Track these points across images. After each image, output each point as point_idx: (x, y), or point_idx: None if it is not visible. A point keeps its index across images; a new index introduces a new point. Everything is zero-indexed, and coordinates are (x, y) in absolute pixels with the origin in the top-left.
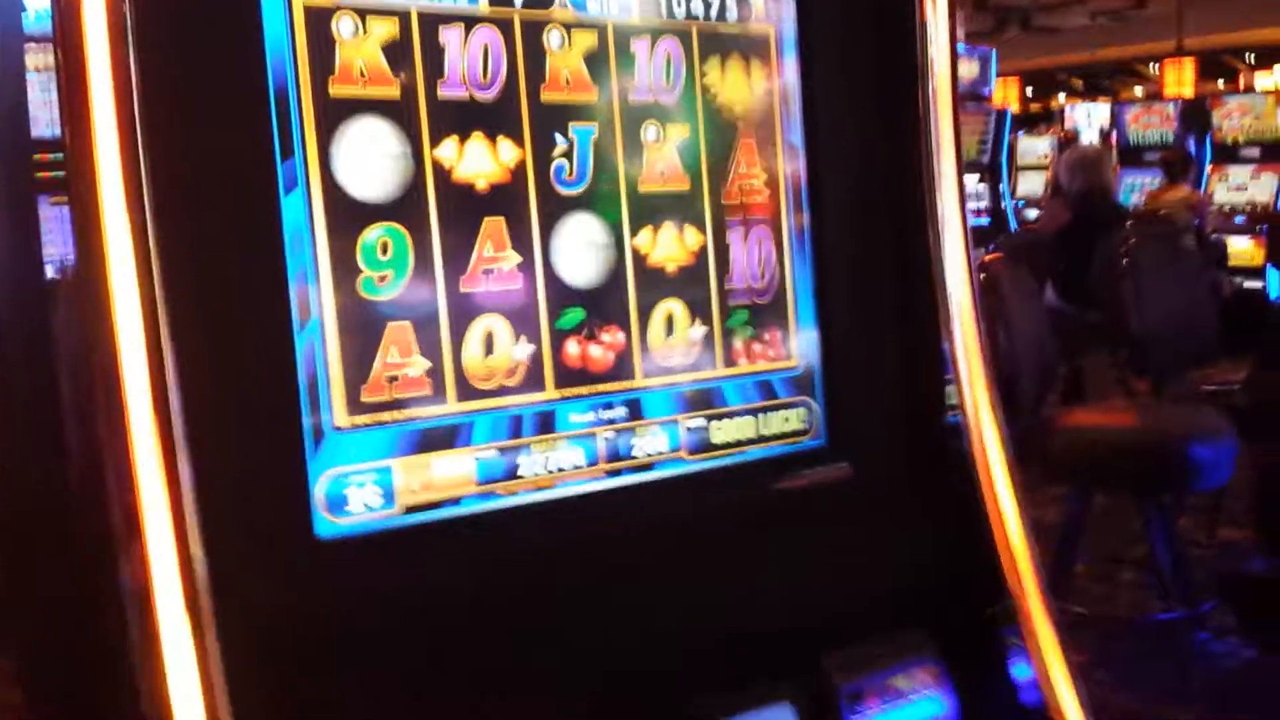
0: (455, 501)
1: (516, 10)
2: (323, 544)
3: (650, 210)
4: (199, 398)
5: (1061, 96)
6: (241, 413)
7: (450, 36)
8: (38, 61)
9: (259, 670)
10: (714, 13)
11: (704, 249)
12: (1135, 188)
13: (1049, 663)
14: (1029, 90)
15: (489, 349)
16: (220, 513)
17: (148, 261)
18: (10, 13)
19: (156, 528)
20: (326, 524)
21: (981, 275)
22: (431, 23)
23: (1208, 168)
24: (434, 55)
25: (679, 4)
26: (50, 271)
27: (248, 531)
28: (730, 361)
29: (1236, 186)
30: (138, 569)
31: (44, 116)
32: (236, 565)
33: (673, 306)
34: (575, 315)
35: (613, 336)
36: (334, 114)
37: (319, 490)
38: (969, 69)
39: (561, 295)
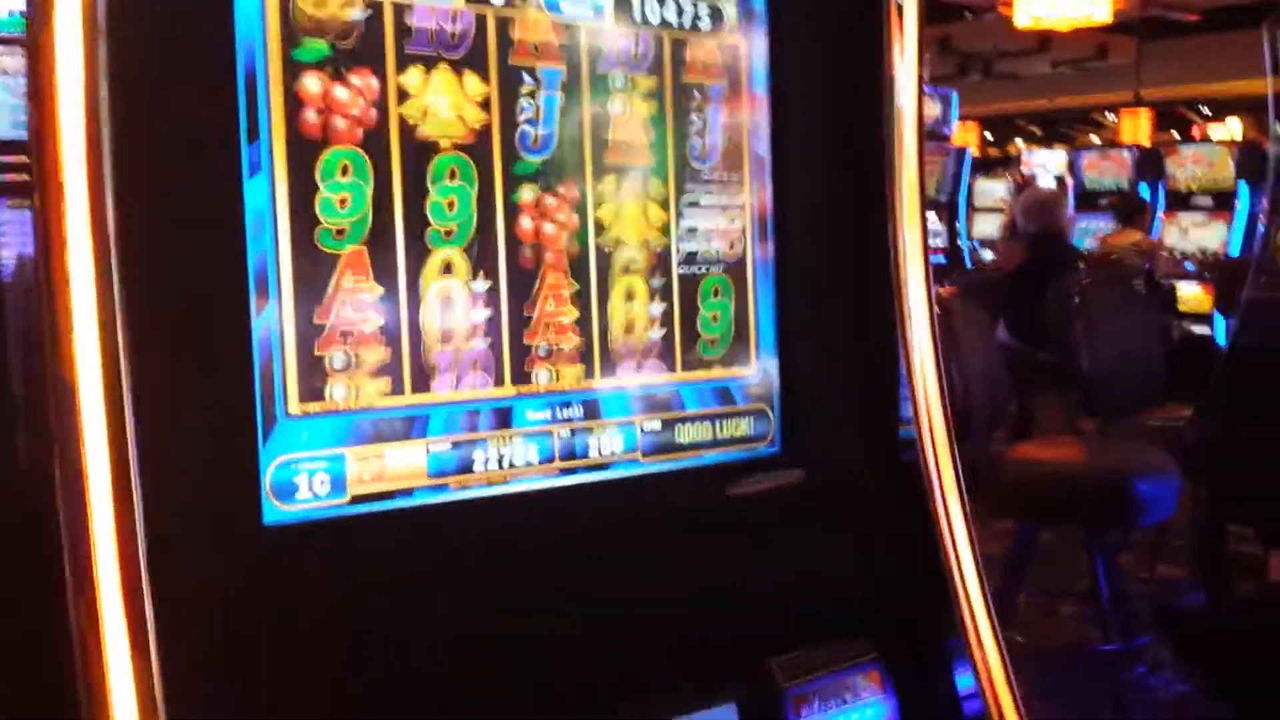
0: (406, 493)
1: (491, 8)
2: (269, 530)
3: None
4: (152, 380)
5: (1019, 142)
6: (195, 396)
7: (423, 25)
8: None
9: (200, 654)
10: (686, 21)
11: (669, 245)
12: (1089, 232)
13: (992, 670)
14: (988, 135)
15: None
16: (168, 495)
17: (106, 244)
18: None
19: (101, 509)
20: (275, 510)
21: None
22: (405, 14)
23: (1161, 215)
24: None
25: (652, 12)
26: (5, 274)
27: (194, 515)
28: (690, 359)
29: (1188, 234)
30: (81, 551)
31: (4, 119)
32: (182, 548)
33: (635, 308)
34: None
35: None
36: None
37: (268, 477)
38: (931, 109)
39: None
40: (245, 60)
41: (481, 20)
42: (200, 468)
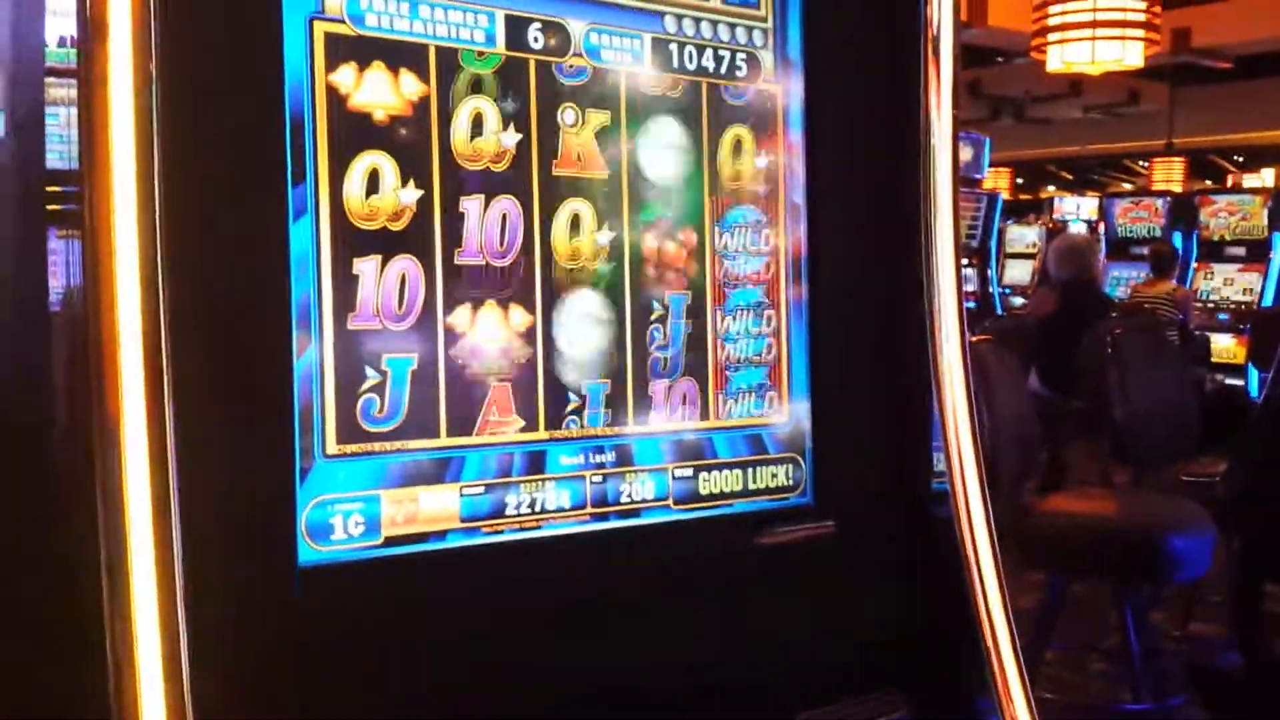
0: (439, 536)
1: (532, 54)
2: (304, 571)
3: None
4: (194, 418)
5: (1051, 188)
6: (236, 435)
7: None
8: (52, 95)
9: (233, 694)
10: (724, 69)
11: (704, 305)
12: (1121, 280)
13: None
14: (1019, 180)
15: (482, 400)
16: (205, 534)
17: (155, 283)
18: (31, 46)
19: (140, 546)
20: (309, 551)
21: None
22: (450, 56)
23: (1193, 264)
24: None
25: (690, 60)
26: (53, 300)
27: (231, 554)
28: (723, 406)
29: (1221, 284)
30: (119, 586)
31: (56, 147)
32: (218, 588)
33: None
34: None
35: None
36: (347, 143)
37: (304, 517)
38: (963, 153)
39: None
40: (292, 103)
41: (523, 72)
42: (239, 507)
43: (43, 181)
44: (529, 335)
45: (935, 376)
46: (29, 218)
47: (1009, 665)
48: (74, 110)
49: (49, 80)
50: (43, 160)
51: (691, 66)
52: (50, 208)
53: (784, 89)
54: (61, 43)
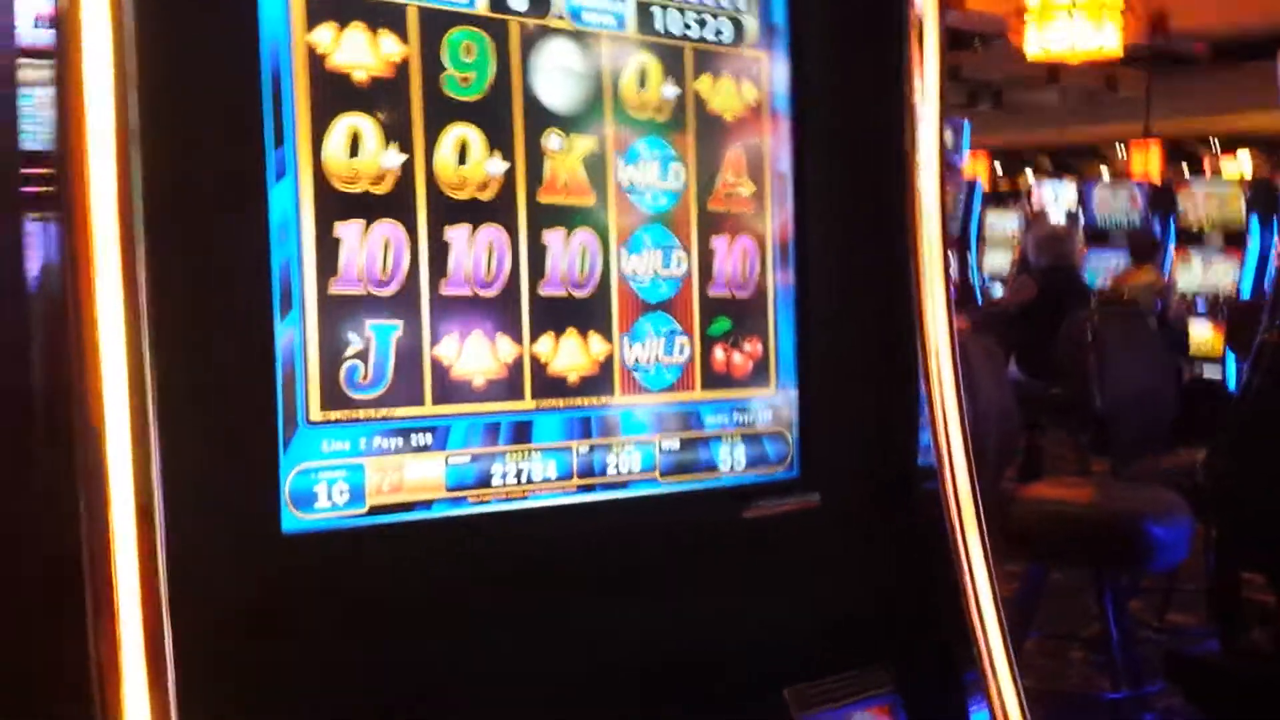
0: (425, 505)
1: (515, 18)
2: (288, 539)
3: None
4: (175, 386)
5: (1029, 174)
6: (218, 402)
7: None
8: (25, 76)
9: (215, 660)
10: (709, 33)
11: (689, 264)
12: (1100, 267)
13: (1007, 707)
14: (998, 167)
15: (467, 355)
16: (188, 500)
17: (133, 249)
18: (2, 26)
19: (122, 515)
20: (293, 519)
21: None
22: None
23: (1172, 251)
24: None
25: (674, 24)
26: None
27: (213, 521)
28: (710, 378)
29: (1199, 271)
30: (101, 556)
31: (27, 131)
32: (200, 554)
33: (654, 322)
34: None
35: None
36: (328, 104)
37: (288, 484)
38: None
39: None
40: (270, 62)
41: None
42: (222, 474)
43: (16, 163)
44: (515, 310)
45: (923, 357)
46: (3, 200)
47: (995, 643)
48: (49, 91)
49: (21, 61)
50: (16, 142)
51: (675, 31)
52: (25, 190)
53: (769, 58)
54: (36, 23)
